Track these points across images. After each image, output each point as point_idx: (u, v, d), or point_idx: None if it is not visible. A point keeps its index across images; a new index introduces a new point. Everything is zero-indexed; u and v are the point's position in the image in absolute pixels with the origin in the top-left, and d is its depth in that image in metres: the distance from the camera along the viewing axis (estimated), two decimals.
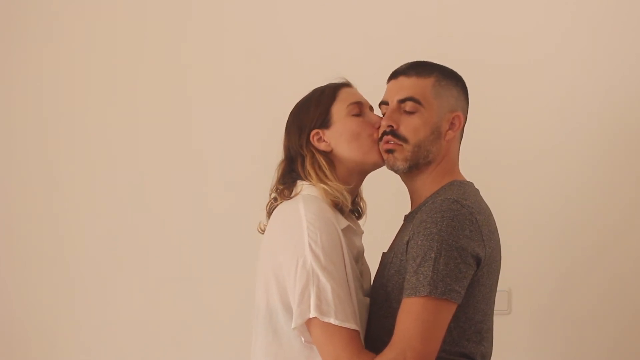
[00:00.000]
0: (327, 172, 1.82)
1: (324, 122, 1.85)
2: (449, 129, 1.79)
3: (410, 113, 1.78)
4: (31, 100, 2.79)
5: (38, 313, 2.76)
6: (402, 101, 1.79)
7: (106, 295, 2.73)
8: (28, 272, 2.76)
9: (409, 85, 1.80)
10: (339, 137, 1.84)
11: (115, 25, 2.78)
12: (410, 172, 1.79)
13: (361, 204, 1.94)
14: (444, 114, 1.78)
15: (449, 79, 1.82)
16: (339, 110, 1.85)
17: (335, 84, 1.89)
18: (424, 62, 1.85)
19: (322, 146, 1.84)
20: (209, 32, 2.73)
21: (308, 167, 1.82)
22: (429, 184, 1.80)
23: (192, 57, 2.73)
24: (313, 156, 1.83)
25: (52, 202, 2.76)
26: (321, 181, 1.80)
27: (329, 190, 1.78)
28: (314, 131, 1.85)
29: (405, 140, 1.77)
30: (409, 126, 1.77)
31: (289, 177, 1.85)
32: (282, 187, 1.84)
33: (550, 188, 2.58)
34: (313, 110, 1.86)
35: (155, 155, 2.73)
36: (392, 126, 1.78)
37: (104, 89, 2.76)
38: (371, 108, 1.90)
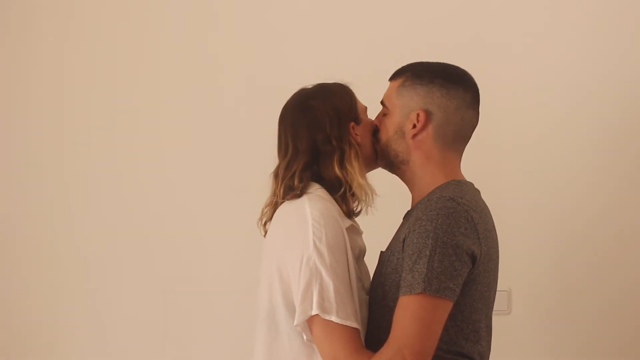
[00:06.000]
0: (364, 169, 1.80)
1: (357, 117, 1.84)
2: (412, 127, 1.80)
3: (384, 115, 1.86)
4: (31, 99, 2.80)
5: (38, 313, 2.76)
6: (382, 105, 1.88)
7: (106, 294, 2.73)
8: (28, 272, 2.77)
9: (387, 89, 1.88)
10: (368, 133, 1.86)
11: (115, 23, 2.78)
12: (391, 169, 1.87)
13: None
14: (407, 113, 1.80)
15: (418, 78, 1.81)
16: (360, 108, 1.87)
17: (343, 84, 1.88)
18: (408, 64, 1.87)
19: (358, 139, 1.82)
20: (210, 31, 2.74)
21: (353, 160, 1.77)
22: (421, 182, 1.81)
23: (193, 57, 2.74)
24: (357, 150, 1.79)
25: (52, 201, 2.77)
26: (362, 177, 1.77)
27: (367, 189, 1.77)
28: (352, 123, 1.82)
29: (378, 140, 1.86)
30: (382, 127, 1.86)
31: (307, 174, 1.78)
32: (296, 184, 1.75)
33: (550, 188, 2.59)
34: (347, 102, 1.82)
35: (155, 153, 2.74)
36: (376, 126, 1.88)
37: (104, 88, 2.77)
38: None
